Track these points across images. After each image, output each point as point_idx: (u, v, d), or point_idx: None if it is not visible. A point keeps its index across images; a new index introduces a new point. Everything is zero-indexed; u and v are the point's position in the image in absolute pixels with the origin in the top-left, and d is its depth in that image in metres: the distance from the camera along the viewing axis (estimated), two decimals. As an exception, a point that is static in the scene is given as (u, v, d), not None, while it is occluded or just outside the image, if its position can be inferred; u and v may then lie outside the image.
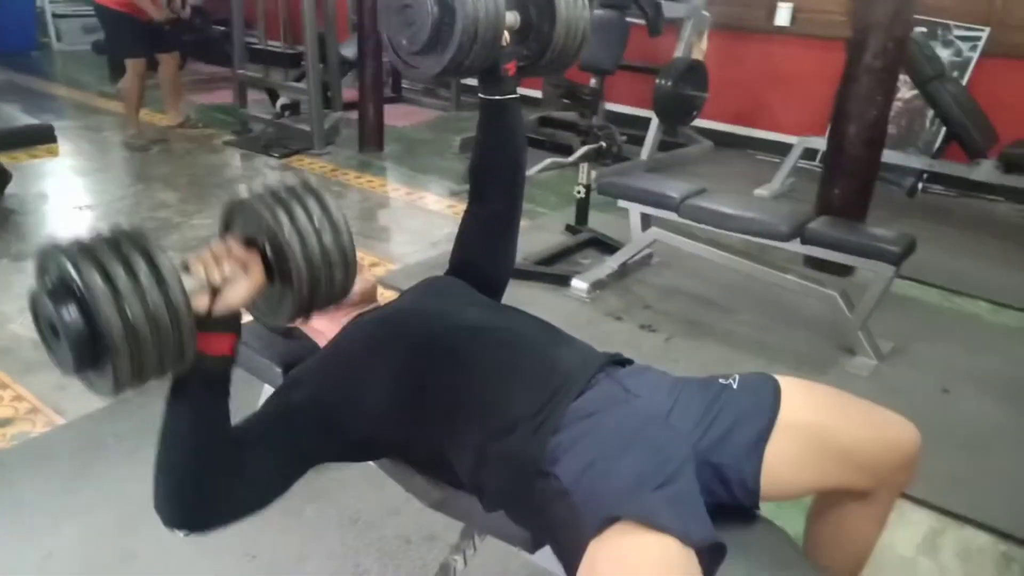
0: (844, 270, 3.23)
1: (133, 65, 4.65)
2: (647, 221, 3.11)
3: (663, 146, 4.99)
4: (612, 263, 3.20)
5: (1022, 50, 4.44)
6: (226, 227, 1.08)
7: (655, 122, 4.77)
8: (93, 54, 7.07)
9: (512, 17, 1.41)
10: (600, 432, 1.09)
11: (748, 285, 3.17)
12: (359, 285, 1.37)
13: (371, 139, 5.02)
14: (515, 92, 1.41)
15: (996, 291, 3.32)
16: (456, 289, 1.42)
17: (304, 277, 1.00)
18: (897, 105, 3.46)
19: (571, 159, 3.42)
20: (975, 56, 4.54)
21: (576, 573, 0.98)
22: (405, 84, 6.79)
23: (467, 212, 1.51)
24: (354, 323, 1.33)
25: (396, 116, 5.85)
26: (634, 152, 4.77)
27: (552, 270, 3.22)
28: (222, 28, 6.07)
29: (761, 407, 1.18)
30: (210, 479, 1.03)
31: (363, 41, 4.62)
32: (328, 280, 1.03)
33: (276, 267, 1.02)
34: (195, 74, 6.80)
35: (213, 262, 0.98)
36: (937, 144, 4.35)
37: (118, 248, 0.88)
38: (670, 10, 4.66)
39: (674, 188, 3.00)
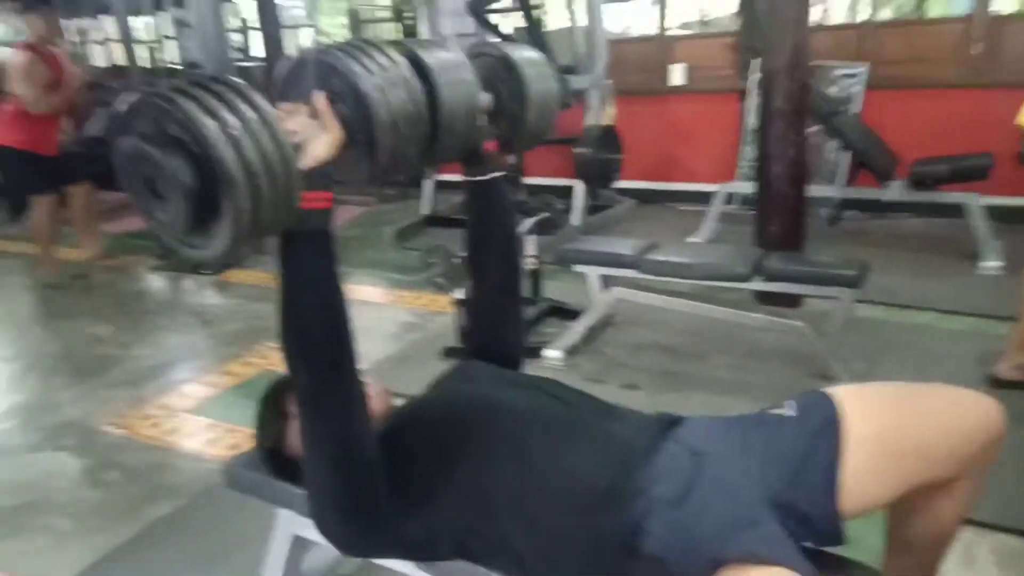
0: (793, 302, 3.35)
1: (43, 203, 4.45)
2: (605, 282, 3.15)
3: (590, 210, 5.12)
4: (579, 328, 3.22)
5: (898, 81, 4.89)
6: (282, 95, 1.10)
7: (580, 188, 4.91)
8: (-20, 196, 6.73)
9: (486, 98, 1.45)
10: (680, 496, 1.08)
11: (709, 328, 3.24)
12: (379, 404, 1.31)
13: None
14: (498, 170, 1.43)
15: (935, 300, 3.51)
16: (489, 372, 1.40)
17: (387, 124, 1.06)
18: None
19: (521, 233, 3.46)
20: (862, 90, 4.92)
21: None
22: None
23: (472, 293, 1.51)
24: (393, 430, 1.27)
25: (321, 217, 5.81)
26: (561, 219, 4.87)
27: (521, 344, 3.19)
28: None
29: (824, 430, 1.15)
30: (340, 329, 1.08)
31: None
32: (410, 133, 1.10)
33: (356, 123, 1.06)
34: (101, 204, 6.54)
35: (291, 119, 0.98)
36: (845, 173, 4.64)
37: (218, 94, 0.88)
38: (575, 82, 4.88)
39: (627, 247, 3.07)
